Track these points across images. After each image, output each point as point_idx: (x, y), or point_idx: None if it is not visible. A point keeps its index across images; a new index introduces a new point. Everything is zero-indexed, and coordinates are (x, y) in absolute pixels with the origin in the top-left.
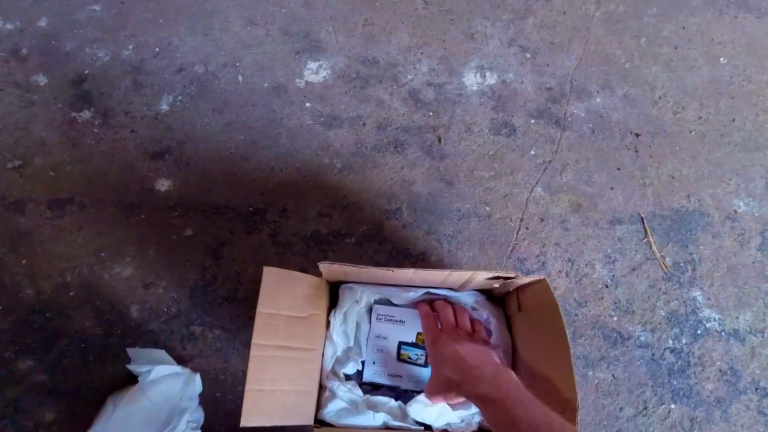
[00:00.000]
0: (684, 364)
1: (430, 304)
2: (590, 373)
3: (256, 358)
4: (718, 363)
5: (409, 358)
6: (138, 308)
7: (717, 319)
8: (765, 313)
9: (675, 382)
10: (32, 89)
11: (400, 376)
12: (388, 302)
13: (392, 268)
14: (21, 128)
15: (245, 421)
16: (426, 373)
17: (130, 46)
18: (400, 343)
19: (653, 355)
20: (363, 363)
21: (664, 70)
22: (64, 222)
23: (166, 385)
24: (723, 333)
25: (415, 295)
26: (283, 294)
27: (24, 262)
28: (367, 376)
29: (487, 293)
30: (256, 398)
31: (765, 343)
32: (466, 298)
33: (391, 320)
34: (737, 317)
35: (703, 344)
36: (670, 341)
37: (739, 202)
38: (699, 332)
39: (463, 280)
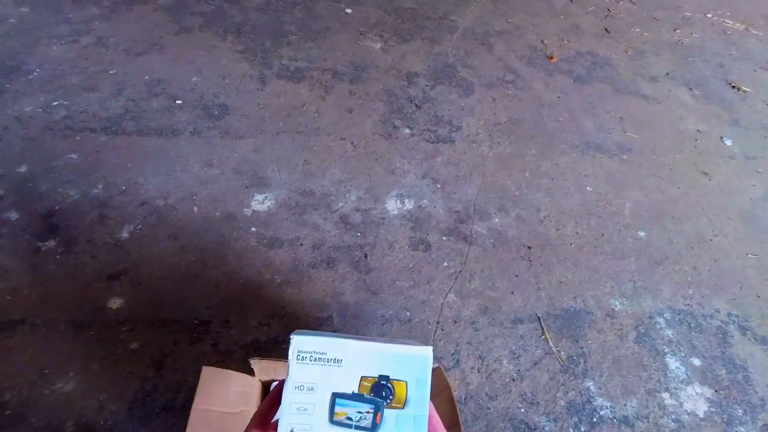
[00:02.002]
0: None
1: None
2: None
3: None
4: None
5: (348, 418)
6: (73, 423)
7: (609, 407)
8: (647, 400)
9: None
10: (3, 224)
11: None
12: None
13: None
14: None
15: None
16: None
17: (100, 186)
18: (335, 396)
19: None
20: None
21: (545, 196)
22: (12, 342)
23: None
24: (615, 420)
25: None
26: (217, 391)
27: None
28: None
29: None
30: None
31: (651, 428)
32: None
33: (320, 360)
34: (625, 404)
35: (600, 431)
36: (571, 430)
37: (615, 302)
38: (595, 420)
39: None
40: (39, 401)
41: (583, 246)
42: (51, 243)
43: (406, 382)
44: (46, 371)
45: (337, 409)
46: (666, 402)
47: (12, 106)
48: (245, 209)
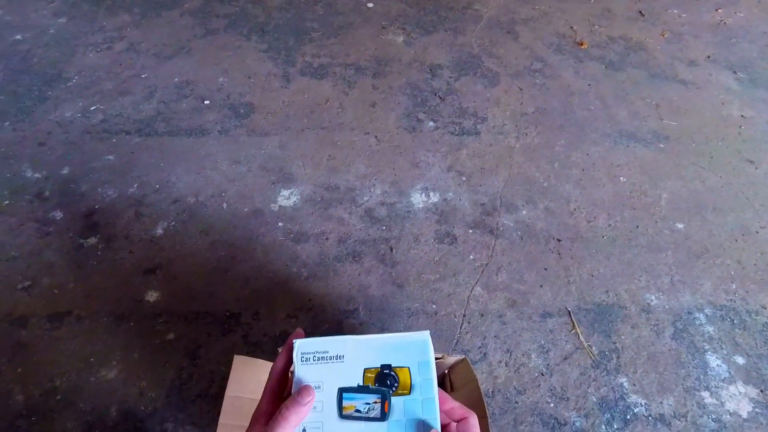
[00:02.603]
0: None
1: None
2: None
3: None
4: None
5: (357, 410)
6: (117, 408)
7: (643, 404)
8: (685, 398)
9: None
10: (49, 223)
11: None
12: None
13: None
14: (34, 254)
15: None
16: (386, 427)
17: (135, 185)
18: (341, 391)
19: None
20: None
21: (575, 187)
22: (61, 333)
23: None
24: (650, 417)
25: None
26: (249, 379)
27: (19, 370)
28: None
29: None
30: None
31: (689, 428)
32: None
33: (323, 359)
34: (661, 402)
35: (634, 429)
36: (603, 426)
37: (650, 296)
38: (628, 417)
39: None
40: (85, 387)
41: (616, 238)
42: (92, 240)
43: (408, 368)
44: (91, 360)
45: (344, 403)
46: (706, 401)
47: (54, 112)
48: (272, 205)
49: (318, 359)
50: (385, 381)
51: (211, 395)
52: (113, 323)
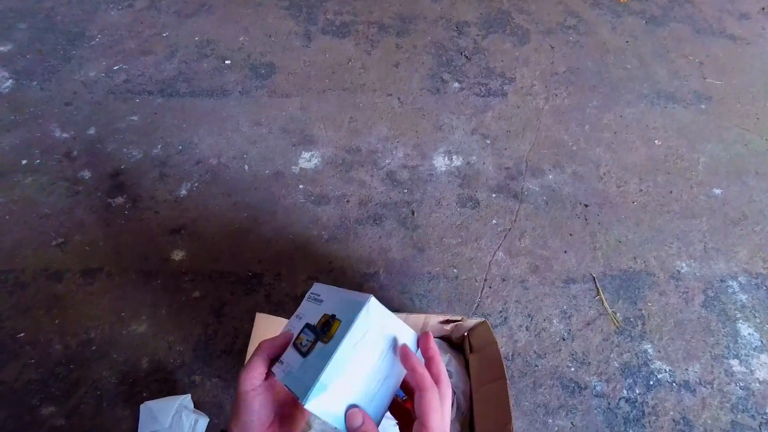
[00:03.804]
0: (639, 413)
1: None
2: (550, 420)
3: None
4: (671, 413)
5: (301, 343)
6: (148, 360)
7: (668, 370)
8: (713, 366)
9: (631, 431)
10: (78, 182)
11: (282, 363)
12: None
13: None
14: (66, 213)
15: None
16: (301, 363)
17: (159, 146)
18: (305, 326)
19: (609, 404)
20: None
21: (606, 151)
22: (94, 288)
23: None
24: (674, 384)
25: None
26: (270, 336)
27: (57, 322)
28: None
29: (447, 340)
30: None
31: (715, 395)
32: None
33: (314, 300)
34: (687, 369)
35: (656, 395)
36: (625, 391)
37: (681, 264)
38: (651, 383)
39: (420, 324)
40: (118, 340)
41: (647, 204)
42: (119, 200)
43: (340, 321)
44: (123, 314)
45: (301, 335)
46: (734, 369)
47: (78, 71)
48: (293, 167)
49: (312, 300)
50: (324, 328)
51: (235, 351)
52: (142, 280)
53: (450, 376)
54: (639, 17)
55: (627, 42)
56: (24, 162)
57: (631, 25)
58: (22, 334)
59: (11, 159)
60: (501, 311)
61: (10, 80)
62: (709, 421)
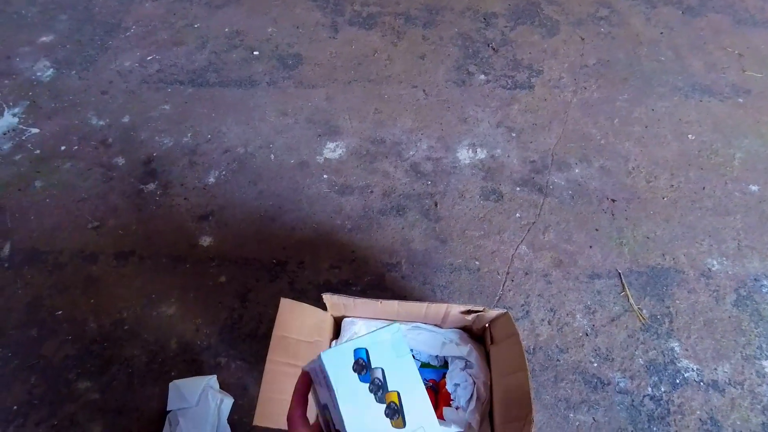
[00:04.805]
0: (663, 411)
1: None
2: (571, 415)
3: (269, 372)
4: (698, 412)
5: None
6: (176, 341)
7: (695, 369)
8: (744, 366)
9: (655, 429)
10: (113, 168)
11: None
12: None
13: (380, 300)
14: (101, 197)
15: (257, 421)
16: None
17: (189, 134)
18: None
19: (633, 401)
20: None
21: (636, 145)
22: (126, 270)
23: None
24: (702, 383)
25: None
26: (294, 322)
27: (92, 301)
28: None
29: (468, 331)
30: (268, 404)
31: (745, 395)
32: (451, 335)
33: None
34: (716, 369)
35: (682, 393)
36: (650, 389)
37: (712, 261)
38: (678, 381)
39: (442, 313)
40: (148, 321)
41: (678, 200)
42: (151, 186)
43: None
44: (153, 296)
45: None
46: (767, 370)
47: (114, 61)
48: (318, 157)
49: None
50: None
51: (260, 335)
52: (171, 264)
53: (470, 367)
54: (675, 7)
55: (661, 33)
56: (63, 148)
57: (666, 16)
58: (60, 312)
59: (52, 145)
60: (523, 305)
61: (51, 69)
62: (738, 422)
